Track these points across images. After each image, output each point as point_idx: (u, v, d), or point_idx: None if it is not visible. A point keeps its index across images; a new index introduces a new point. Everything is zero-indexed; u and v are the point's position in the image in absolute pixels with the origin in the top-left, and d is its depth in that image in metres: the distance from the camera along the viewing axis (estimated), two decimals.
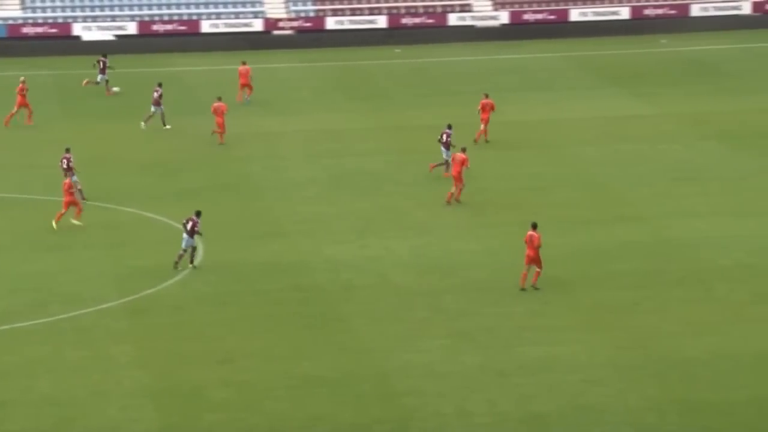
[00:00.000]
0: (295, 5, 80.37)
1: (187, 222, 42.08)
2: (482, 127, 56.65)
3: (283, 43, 77.74)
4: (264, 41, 77.86)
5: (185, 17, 78.93)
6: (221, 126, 56.52)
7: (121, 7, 79.06)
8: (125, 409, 33.19)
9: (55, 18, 78.17)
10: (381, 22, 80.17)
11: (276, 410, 33.17)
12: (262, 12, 79.62)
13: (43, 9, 78.51)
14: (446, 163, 51.45)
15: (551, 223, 46.17)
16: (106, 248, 44.74)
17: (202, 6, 79.60)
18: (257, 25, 79.04)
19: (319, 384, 34.44)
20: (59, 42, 76.29)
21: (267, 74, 68.76)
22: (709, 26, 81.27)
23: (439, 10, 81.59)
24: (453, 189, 48.64)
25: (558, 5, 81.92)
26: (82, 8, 78.82)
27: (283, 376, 34.89)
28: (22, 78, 61.52)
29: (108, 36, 77.34)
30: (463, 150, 49.07)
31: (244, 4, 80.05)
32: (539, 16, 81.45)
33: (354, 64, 69.15)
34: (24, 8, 78.36)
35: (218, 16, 79.23)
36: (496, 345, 36.65)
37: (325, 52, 74.20)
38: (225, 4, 79.87)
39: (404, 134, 59.11)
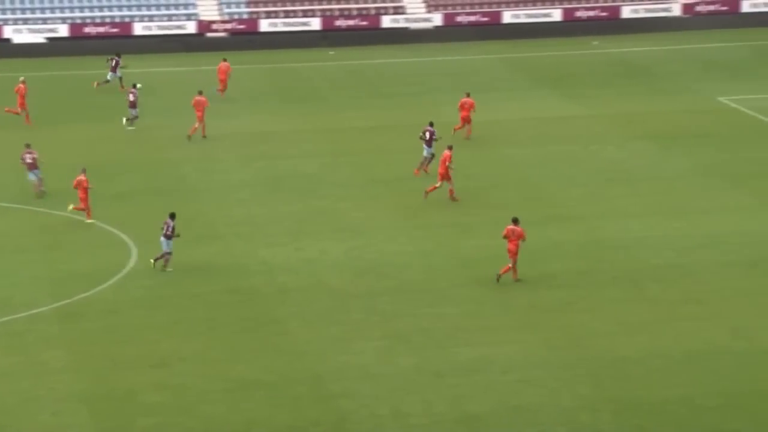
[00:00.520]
0: (229, 7, 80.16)
1: (164, 226, 41.93)
2: (459, 124, 57.42)
3: (217, 45, 77.47)
4: (197, 43, 77.56)
5: (117, 19, 78.45)
6: (200, 120, 57.20)
7: (52, 10, 78.41)
8: (58, 414, 32.96)
9: None
10: (315, 24, 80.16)
11: (211, 414, 33.08)
12: (195, 14, 79.33)
13: None
14: (427, 159, 51.89)
15: (485, 224, 46.43)
16: (39, 252, 44.39)
17: (134, 8, 79.15)
18: (190, 27, 78.72)
19: (255, 387, 34.40)
20: None
21: (200, 76, 68.50)
22: (640, 28, 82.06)
23: (373, 12, 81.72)
24: (437, 184, 48.92)
25: (491, 7, 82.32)
26: (13, 10, 78.09)
27: (218, 380, 34.81)
28: (21, 78, 61.34)
29: (39, 39, 76.69)
30: (449, 148, 49.50)
31: (177, 6, 79.71)
32: (472, 18, 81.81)
33: (288, 66, 69.04)
34: None
35: (151, 18, 78.81)
36: (431, 346, 36.80)
37: (259, 54, 74.02)
38: (158, 6, 79.48)
39: (338, 136, 59.16)
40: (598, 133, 59.23)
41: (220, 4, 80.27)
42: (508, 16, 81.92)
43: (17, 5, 78.34)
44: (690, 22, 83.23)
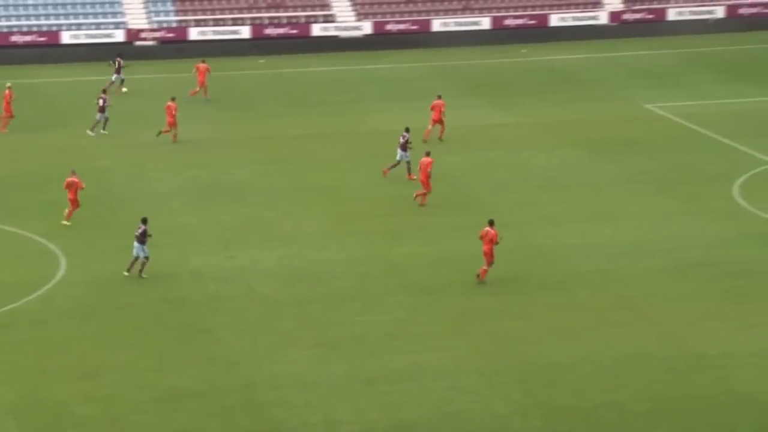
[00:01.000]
0: (158, 16, 79.74)
1: (137, 231, 41.68)
2: (430, 126, 58.22)
3: (146, 53, 77.04)
4: (125, 52, 77.08)
5: (45, 28, 77.71)
6: (170, 125, 57.88)
7: None
8: None
9: None
10: (245, 32, 79.96)
11: (142, 424, 32.87)
12: (123, 23, 78.82)
13: None
14: (398, 164, 52.42)
15: (416, 231, 46.57)
16: None
17: (62, 17, 78.46)
18: (119, 36, 78.18)
19: (186, 396, 34.23)
20: None
21: (129, 85, 68.11)
22: (568, 36, 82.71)
23: (303, 20, 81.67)
24: (421, 191, 49.52)
25: (420, 16, 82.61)
26: None
27: (149, 390, 34.59)
28: (8, 84, 60.78)
29: None
30: (427, 154, 49.91)
31: (105, 15, 79.16)
32: (402, 26, 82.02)
33: (218, 74, 68.80)
34: None
35: (79, 27, 78.16)
36: (364, 353, 36.83)
37: (189, 63, 73.64)
38: (86, 15, 78.86)
39: (269, 144, 59.05)
40: (527, 140, 59.61)
41: (149, 12, 79.82)
42: (437, 25, 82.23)
43: None
44: (617, 30, 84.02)
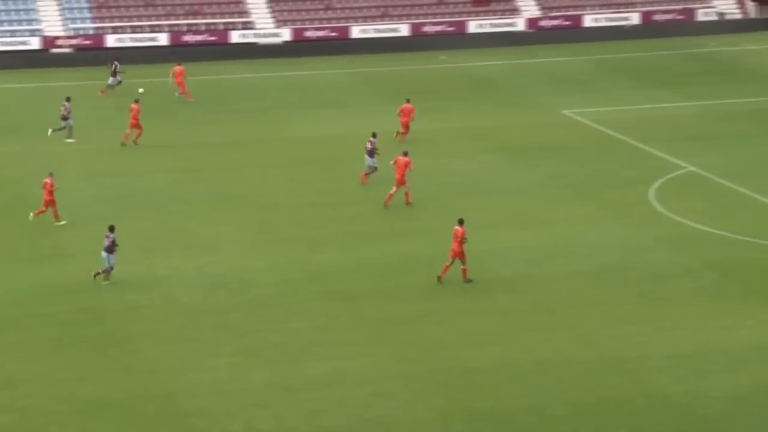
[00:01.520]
0: (74, 23, 79.03)
1: (106, 240, 41.48)
2: (401, 129, 58.99)
3: (62, 61, 76.34)
4: (42, 59, 76.33)
5: None
6: (132, 126, 58.38)
7: None
8: None
9: None
10: (162, 39, 79.52)
11: None
12: (39, 30, 78.04)
13: None
14: (371, 169, 52.75)
15: (337, 238, 46.56)
16: None
17: None
18: (34, 43, 77.41)
19: (105, 406, 33.91)
20: None
21: (44, 93, 67.41)
22: (486, 43, 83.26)
23: (221, 27, 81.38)
24: (392, 191, 49.71)
25: (339, 23, 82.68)
26: None
27: (67, 400, 34.22)
28: None
29: None
30: (405, 153, 50.37)
31: (20, 22, 78.31)
32: (321, 33, 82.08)
33: (135, 81, 68.32)
34: None
35: None
36: (284, 361, 36.72)
37: (106, 70, 73.04)
38: (0, 22, 77.97)
39: (187, 152, 58.74)
40: (447, 146, 59.84)
41: (65, 19, 79.09)
42: (356, 31, 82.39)
43: None
44: (535, 36, 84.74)
